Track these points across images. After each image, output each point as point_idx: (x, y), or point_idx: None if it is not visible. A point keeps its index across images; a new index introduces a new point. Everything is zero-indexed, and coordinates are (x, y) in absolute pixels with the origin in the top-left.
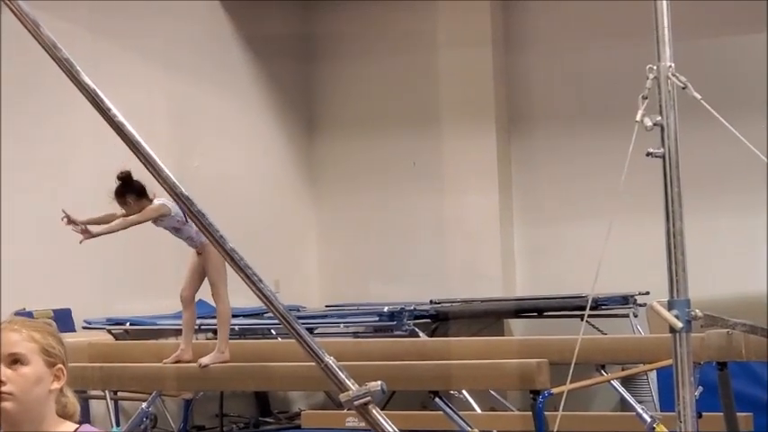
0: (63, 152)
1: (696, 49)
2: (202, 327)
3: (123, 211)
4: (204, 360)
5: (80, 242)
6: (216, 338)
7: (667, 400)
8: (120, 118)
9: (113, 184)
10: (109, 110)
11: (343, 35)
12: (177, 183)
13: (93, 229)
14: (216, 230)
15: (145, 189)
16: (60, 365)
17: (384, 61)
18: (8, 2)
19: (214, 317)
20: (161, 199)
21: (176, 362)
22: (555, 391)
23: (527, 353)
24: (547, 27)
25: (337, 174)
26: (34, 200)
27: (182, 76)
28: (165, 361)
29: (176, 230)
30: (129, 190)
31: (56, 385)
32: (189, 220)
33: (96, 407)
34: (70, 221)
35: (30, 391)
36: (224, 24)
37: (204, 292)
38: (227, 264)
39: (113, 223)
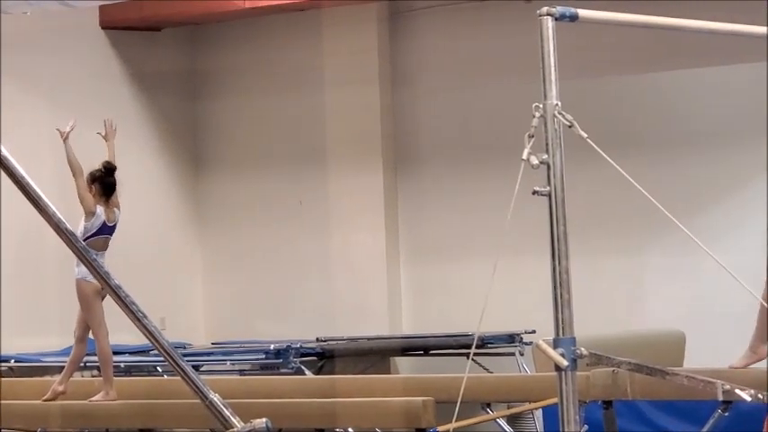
0: None
1: (583, 89)
2: (87, 364)
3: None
4: (93, 399)
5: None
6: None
7: None
8: (5, 152)
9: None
10: None
11: (230, 72)
12: (62, 219)
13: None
14: (101, 266)
15: (111, 190)
16: None
17: (271, 98)
18: None
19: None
20: (101, 209)
21: (53, 396)
22: (440, 429)
23: (413, 391)
24: (434, 65)
25: (223, 211)
26: None
27: (67, 112)
28: (44, 398)
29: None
30: (99, 180)
31: None
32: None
33: None
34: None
35: None
36: (110, 60)
37: None
38: (114, 301)
39: (74, 159)
